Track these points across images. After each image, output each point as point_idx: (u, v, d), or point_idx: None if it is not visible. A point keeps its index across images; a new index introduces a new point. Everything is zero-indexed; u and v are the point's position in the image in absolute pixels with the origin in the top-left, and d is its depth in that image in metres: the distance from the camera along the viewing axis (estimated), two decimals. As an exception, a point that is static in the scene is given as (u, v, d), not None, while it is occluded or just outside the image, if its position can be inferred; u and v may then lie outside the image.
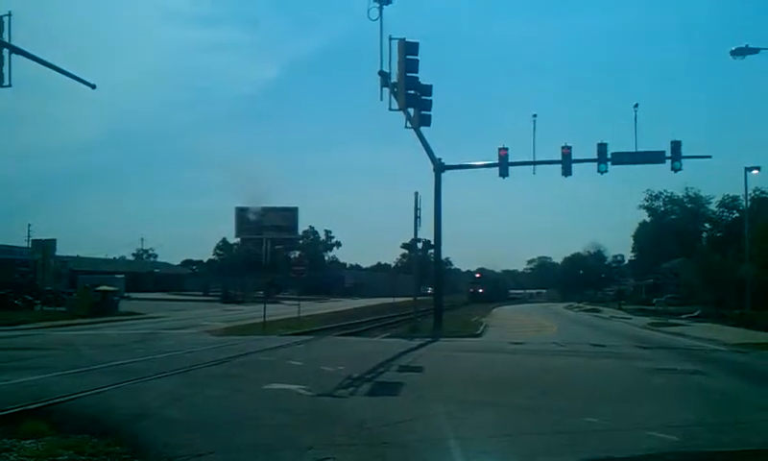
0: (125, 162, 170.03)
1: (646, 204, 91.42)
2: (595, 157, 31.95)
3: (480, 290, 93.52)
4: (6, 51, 19.18)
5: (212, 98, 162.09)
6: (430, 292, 50.49)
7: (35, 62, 20.41)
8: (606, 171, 32.03)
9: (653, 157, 32.44)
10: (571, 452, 7.56)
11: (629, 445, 8.04)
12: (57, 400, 10.16)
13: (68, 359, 16.50)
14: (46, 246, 42.11)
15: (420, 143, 29.21)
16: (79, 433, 8.21)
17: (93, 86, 22.58)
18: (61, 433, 8.24)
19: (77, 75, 22.13)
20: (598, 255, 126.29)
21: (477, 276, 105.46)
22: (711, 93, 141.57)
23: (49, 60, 21.06)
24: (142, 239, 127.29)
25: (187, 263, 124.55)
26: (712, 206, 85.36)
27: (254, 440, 8.19)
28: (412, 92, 23.86)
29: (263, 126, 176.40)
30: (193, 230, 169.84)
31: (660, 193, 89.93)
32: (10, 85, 19.23)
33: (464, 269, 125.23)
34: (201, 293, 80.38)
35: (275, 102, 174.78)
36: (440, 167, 31.91)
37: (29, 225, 76.24)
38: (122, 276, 66.11)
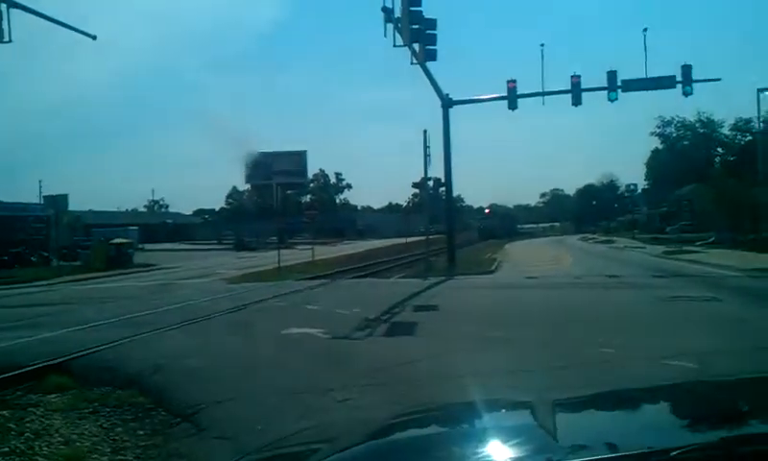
0: (131, 114, 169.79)
1: (658, 130, 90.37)
2: (605, 85, 31.53)
3: (489, 226, 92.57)
4: (4, 6, 18.97)
5: (217, 41, 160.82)
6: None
7: (35, 16, 20.23)
8: (616, 99, 31.59)
9: (663, 83, 31.95)
10: (587, 385, 7.60)
11: (646, 375, 8.08)
12: (78, 355, 10.30)
13: (87, 313, 16.68)
14: (58, 201, 42.23)
15: (426, 79, 28.91)
16: (102, 386, 8.36)
17: (94, 37, 22.47)
18: (85, 386, 8.38)
19: (76, 27, 21.95)
20: (611, 186, 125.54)
21: (486, 212, 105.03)
22: (721, 14, 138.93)
23: (48, 14, 20.87)
24: (153, 190, 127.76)
25: (199, 212, 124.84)
26: (725, 130, 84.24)
27: (274, 384, 8.29)
28: (416, 26, 23.54)
29: (269, 70, 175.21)
30: (204, 179, 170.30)
31: (672, 119, 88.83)
32: (10, 41, 19.06)
33: (476, 206, 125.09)
34: (214, 241, 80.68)
35: (280, 44, 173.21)
36: (447, 103, 31.57)
37: (40, 181, 76.57)
38: (135, 228, 66.31)
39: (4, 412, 7.11)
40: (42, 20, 20.48)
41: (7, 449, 5.96)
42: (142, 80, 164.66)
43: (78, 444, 6.30)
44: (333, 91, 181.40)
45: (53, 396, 7.96)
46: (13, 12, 19.18)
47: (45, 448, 6.11)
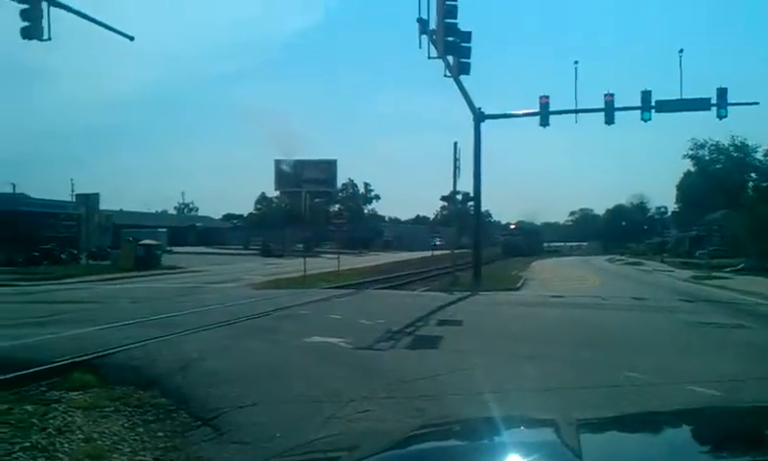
0: (164, 115, 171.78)
1: (691, 153, 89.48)
2: (639, 104, 31.26)
3: (514, 243, 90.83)
4: (45, 4, 19.27)
5: (250, 48, 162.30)
6: (437, 245, 50.11)
7: (73, 15, 20.50)
8: (649, 119, 31.27)
9: (698, 105, 31.56)
10: (610, 406, 7.53)
11: (669, 399, 7.98)
12: (103, 353, 10.39)
13: (114, 312, 16.85)
14: (90, 200, 42.80)
15: (459, 92, 28.87)
16: (124, 385, 8.42)
17: (131, 38, 22.71)
18: (108, 385, 8.45)
19: (115, 27, 22.23)
20: (641, 207, 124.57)
21: (512, 227, 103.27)
22: (759, 37, 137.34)
23: (87, 13, 21.15)
24: (183, 193, 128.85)
25: (228, 217, 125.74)
26: (759, 155, 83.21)
27: (295, 391, 8.30)
28: (451, 39, 23.50)
29: (301, 77, 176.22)
30: (233, 184, 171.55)
31: (706, 142, 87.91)
32: (49, 39, 19.35)
33: (504, 221, 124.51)
34: (241, 247, 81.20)
35: (313, 52, 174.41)
36: (479, 117, 31.48)
37: (71, 179, 77.56)
38: (165, 229, 66.99)
39: (27, 407, 7.19)
40: (81, 19, 20.73)
41: (29, 444, 6.02)
42: (175, 84, 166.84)
43: (98, 442, 6.35)
44: (364, 101, 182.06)
45: (76, 393, 8.03)
46: (53, 10, 19.48)
47: (66, 445, 6.16)
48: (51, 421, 6.81)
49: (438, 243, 70.68)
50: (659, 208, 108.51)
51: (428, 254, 55.89)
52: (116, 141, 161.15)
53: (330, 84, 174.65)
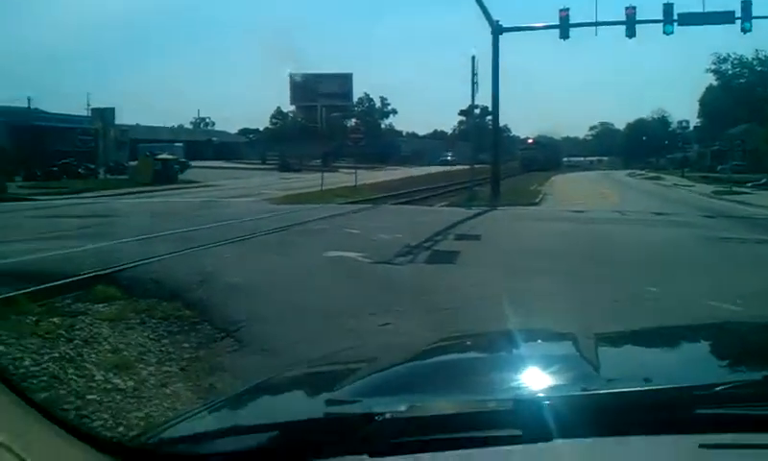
0: (178, 31, 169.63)
1: (713, 67, 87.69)
2: (661, 17, 30.53)
3: (532, 157, 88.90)
4: None
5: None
6: (448, 161, 49.35)
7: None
8: (672, 32, 30.65)
9: (721, 18, 30.85)
10: (628, 321, 7.55)
11: (689, 314, 7.98)
12: (125, 266, 10.49)
13: (133, 227, 16.97)
14: (105, 114, 42.77)
15: (476, 4, 28.26)
16: (148, 298, 8.53)
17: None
18: (132, 298, 8.57)
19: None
20: (662, 121, 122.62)
21: (530, 142, 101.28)
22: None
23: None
24: (199, 109, 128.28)
25: (244, 132, 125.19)
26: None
27: (315, 305, 8.39)
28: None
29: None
30: (249, 100, 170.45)
31: (729, 56, 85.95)
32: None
33: (523, 137, 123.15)
34: (258, 161, 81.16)
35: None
36: (497, 30, 30.86)
37: (88, 94, 77.31)
38: (181, 144, 66.89)
39: (54, 319, 7.31)
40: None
41: (57, 355, 6.14)
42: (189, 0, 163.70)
43: (125, 353, 6.47)
44: (379, 16, 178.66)
45: (101, 305, 8.15)
46: None
47: (93, 356, 6.28)
48: (77, 332, 6.93)
49: (449, 158, 69.81)
50: (680, 123, 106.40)
51: (447, 169, 55.58)
52: (131, 58, 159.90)
53: (344, 1, 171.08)
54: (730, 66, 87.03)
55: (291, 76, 39.85)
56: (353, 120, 65.58)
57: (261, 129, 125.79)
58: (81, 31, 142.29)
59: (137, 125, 74.10)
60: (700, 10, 30.66)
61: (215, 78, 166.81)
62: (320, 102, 40.53)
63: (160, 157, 44.57)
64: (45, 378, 5.54)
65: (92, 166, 43.94)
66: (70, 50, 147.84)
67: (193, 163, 61.26)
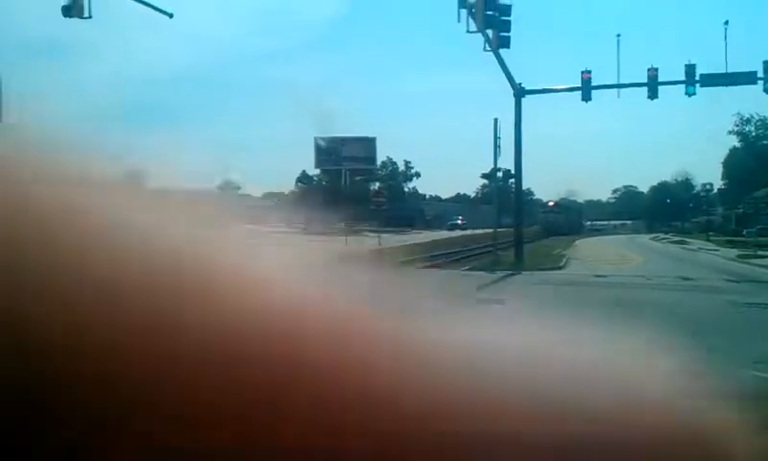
0: (201, 93, 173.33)
1: (737, 128, 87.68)
2: (683, 78, 30.68)
3: (553, 221, 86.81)
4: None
5: (288, 28, 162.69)
6: (458, 225, 48.83)
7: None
8: (694, 93, 30.73)
9: (743, 78, 30.90)
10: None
11: (732, 381, 7.82)
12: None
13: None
14: (132, 176, 43.39)
15: (499, 67, 28.64)
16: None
17: (170, 15, 22.97)
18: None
19: (154, 4, 22.52)
20: (686, 184, 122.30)
21: (551, 204, 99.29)
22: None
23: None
24: (225, 170, 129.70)
25: (269, 195, 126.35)
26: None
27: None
28: (491, 12, 23.37)
29: (339, 53, 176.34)
30: (273, 162, 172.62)
31: (752, 117, 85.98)
32: (90, 17, 19.68)
33: (545, 199, 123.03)
34: (283, 224, 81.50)
35: (351, 28, 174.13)
36: (520, 92, 31.12)
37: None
38: (207, 208, 67.34)
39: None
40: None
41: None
42: (213, 62, 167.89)
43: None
44: (402, 79, 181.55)
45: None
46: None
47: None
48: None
49: (458, 223, 69.25)
50: (704, 186, 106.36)
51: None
52: (154, 118, 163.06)
53: (368, 62, 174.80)
54: (753, 128, 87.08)
55: (316, 140, 40.44)
56: (377, 184, 66.04)
57: (286, 192, 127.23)
58: (107, 91, 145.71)
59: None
60: (722, 70, 30.78)
61: (239, 142, 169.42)
62: (344, 165, 40.97)
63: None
64: None
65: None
66: (96, 109, 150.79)
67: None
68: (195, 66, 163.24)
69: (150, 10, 22.26)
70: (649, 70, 30.92)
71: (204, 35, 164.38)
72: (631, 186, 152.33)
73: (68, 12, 19.40)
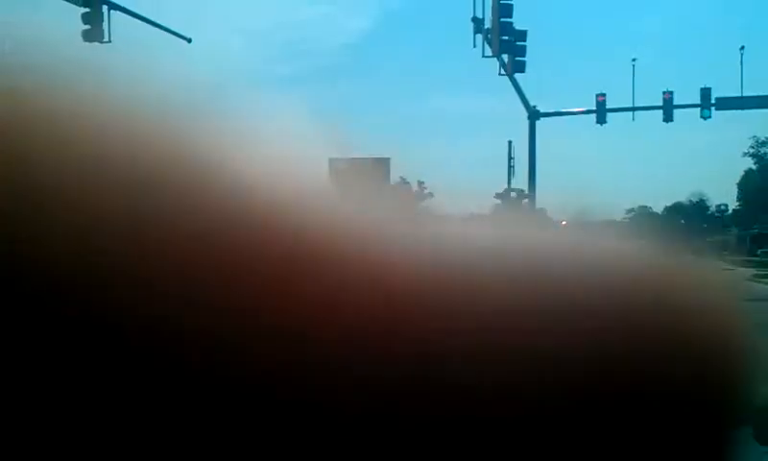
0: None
1: (752, 151, 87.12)
2: (698, 102, 30.56)
3: None
4: (105, 8, 19.86)
5: (303, 52, 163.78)
6: None
7: (132, 18, 21.11)
8: (709, 117, 30.53)
9: (759, 102, 30.72)
10: None
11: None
12: None
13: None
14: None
15: (514, 90, 28.66)
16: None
17: (189, 40, 23.14)
18: None
19: (172, 29, 22.73)
20: (701, 205, 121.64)
21: (563, 224, 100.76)
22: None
23: (146, 16, 21.73)
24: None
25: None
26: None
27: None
28: (506, 38, 23.39)
29: (353, 80, 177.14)
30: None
31: (767, 140, 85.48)
32: (109, 41, 19.89)
33: (556, 219, 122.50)
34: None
35: (367, 54, 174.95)
36: (534, 115, 31.08)
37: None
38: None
39: None
40: (135, 20, 21.37)
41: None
42: (233, 85, 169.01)
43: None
44: (417, 102, 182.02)
45: None
46: (113, 13, 20.09)
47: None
48: None
49: None
50: (719, 207, 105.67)
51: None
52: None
53: (382, 86, 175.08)
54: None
55: (330, 160, 40.53)
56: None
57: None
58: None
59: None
60: (738, 94, 30.61)
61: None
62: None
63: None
64: None
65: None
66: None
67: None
68: (214, 92, 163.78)
69: (168, 34, 22.46)
70: (664, 94, 30.71)
71: (223, 61, 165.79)
72: (645, 206, 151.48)
73: (89, 36, 19.61)
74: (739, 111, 31.80)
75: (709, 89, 30.40)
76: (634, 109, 31.69)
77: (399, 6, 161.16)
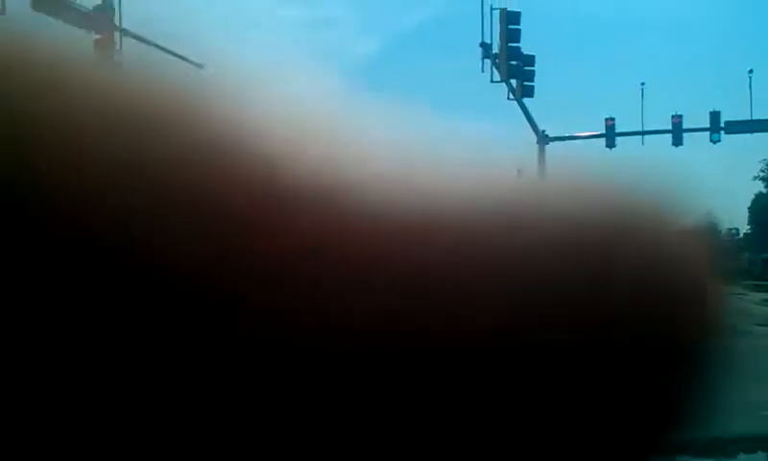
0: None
1: (762, 174, 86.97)
2: (707, 125, 30.52)
3: None
4: (117, 35, 20.11)
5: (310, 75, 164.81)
6: None
7: (142, 44, 21.38)
8: (719, 140, 30.45)
9: (768, 125, 30.74)
10: (680, 430, 7.28)
11: (743, 425, 7.70)
12: None
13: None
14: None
15: (522, 115, 28.73)
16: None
17: (201, 66, 23.39)
18: None
19: (184, 55, 23.01)
20: (711, 228, 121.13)
21: None
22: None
23: (157, 42, 22.03)
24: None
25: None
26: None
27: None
28: (514, 63, 23.52)
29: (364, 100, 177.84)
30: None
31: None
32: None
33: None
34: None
35: (374, 78, 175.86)
36: (543, 139, 31.05)
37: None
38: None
39: None
40: (146, 46, 21.65)
41: None
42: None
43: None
44: (425, 124, 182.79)
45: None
46: (125, 40, 20.33)
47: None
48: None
49: None
50: (729, 230, 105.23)
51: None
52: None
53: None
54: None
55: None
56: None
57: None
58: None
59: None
60: (747, 118, 30.54)
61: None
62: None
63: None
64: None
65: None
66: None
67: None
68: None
69: (180, 61, 22.70)
70: (673, 117, 30.67)
71: (236, 84, 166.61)
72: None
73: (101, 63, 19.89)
74: (749, 134, 31.70)
75: (719, 113, 30.31)
76: (643, 132, 31.65)
77: (407, 31, 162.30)
